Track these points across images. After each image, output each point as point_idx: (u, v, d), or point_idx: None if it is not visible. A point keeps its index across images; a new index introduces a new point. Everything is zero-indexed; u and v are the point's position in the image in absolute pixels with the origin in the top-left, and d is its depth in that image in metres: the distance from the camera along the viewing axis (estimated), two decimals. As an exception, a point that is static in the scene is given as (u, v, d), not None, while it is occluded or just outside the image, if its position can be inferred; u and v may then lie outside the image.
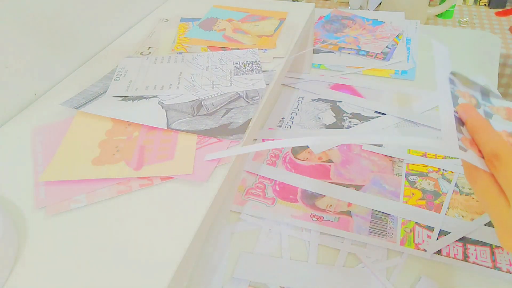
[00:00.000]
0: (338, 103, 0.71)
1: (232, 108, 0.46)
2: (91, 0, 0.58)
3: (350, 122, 0.67)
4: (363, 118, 0.68)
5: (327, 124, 0.67)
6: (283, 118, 0.69)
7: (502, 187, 0.30)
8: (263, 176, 0.59)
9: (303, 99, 0.73)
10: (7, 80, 0.47)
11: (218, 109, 0.46)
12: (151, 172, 0.38)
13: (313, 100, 0.73)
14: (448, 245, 0.47)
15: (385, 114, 0.68)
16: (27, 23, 0.49)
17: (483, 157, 0.32)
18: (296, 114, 0.70)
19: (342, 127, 0.66)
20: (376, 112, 0.69)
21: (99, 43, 0.60)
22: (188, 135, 0.42)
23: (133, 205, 0.36)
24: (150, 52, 0.58)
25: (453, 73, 0.38)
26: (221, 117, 0.44)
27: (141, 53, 0.58)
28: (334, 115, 0.69)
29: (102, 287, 0.30)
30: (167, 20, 0.68)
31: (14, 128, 0.46)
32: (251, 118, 0.44)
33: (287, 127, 0.67)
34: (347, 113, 0.69)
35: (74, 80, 0.53)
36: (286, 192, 0.56)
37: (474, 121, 0.34)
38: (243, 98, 0.47)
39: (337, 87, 0.76)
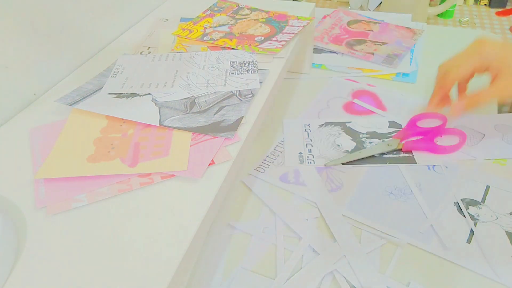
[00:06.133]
0: (348, 124, 0.66)
1: (224, 106, 0.46)
2: (91, 0, 0.59)
3: (370, 142, 0.61)
4: (381, 136, 0.62)
5: (349, 150, 0.60)
6: (300, 153, 0.61)
7: None
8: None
9: (309, 126, 0.66)
10: (7, 80, 0.48)
11: (211, 106, 0.46)
12: (146, 169, 0.39)
13: (321, 125, 0.66)
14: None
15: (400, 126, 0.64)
16: (27, 24, 0.49)
17: None
18: (312, 146, 0.62)
19: (364, 149, 0.60)
20: (389, 127, 0.64)
21: (99, 43, 0.61)
22: (182, 132, 0.43)
23: (134, 204, 0.36)
24: (150, 52, 0.58)
25: None
26: (214, 114, 0.45)
27: (141, 53, 0.58)
28: (351, 138, 0.62)
29: (102, 286, 0.30)
30: (167, 20, 0.68)
31: (14, 128, 0.46)
32: (243, 116, 0.44)
33: (310, 163, 0.59)
34: (363, 133, 0.63)
35: (74, 80, 0.54)
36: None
37: None
38: (236, 96, 0.48)
39: (359, 93, 0.72)
